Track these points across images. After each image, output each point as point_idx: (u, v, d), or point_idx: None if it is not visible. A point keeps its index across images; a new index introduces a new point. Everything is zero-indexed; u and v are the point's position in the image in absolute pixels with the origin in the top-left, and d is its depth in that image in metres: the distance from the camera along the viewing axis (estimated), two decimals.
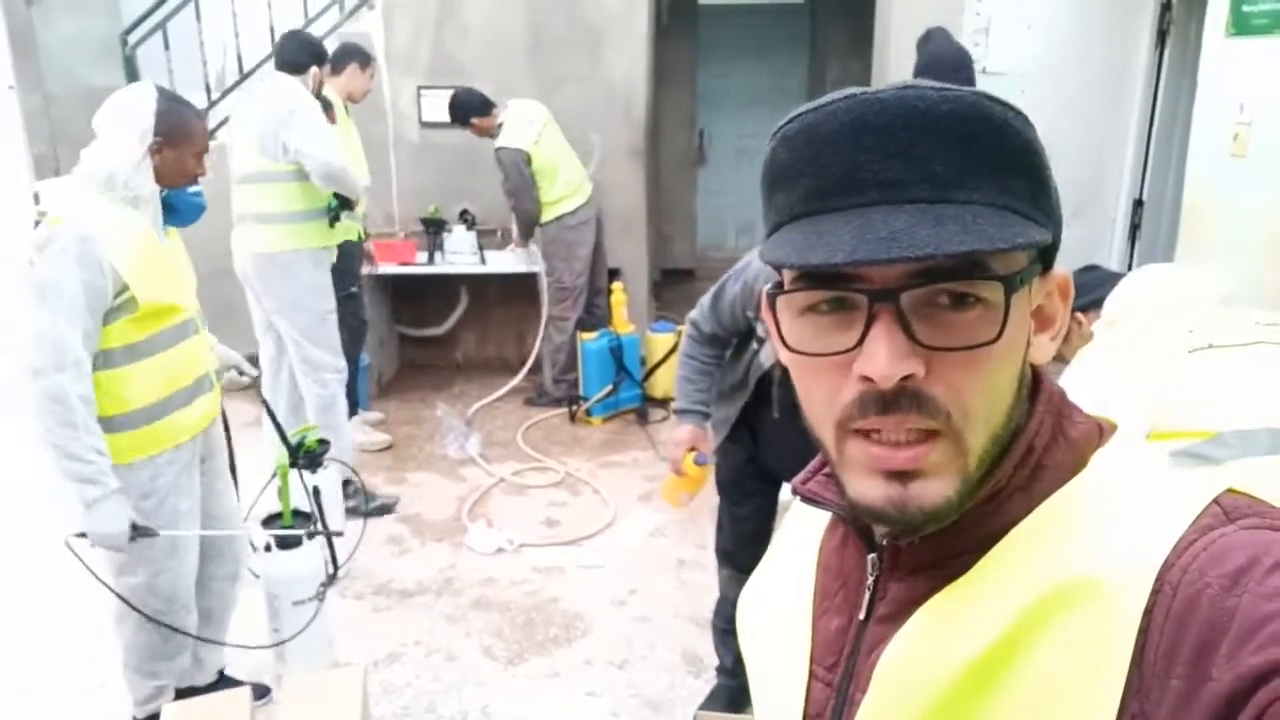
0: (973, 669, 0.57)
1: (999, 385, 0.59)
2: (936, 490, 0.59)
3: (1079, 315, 2.05)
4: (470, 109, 4.97)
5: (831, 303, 0.60)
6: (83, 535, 2.26)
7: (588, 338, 5.18)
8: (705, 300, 2.42)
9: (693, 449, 2.49)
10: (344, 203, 4.03)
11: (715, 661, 2.75)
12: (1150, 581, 0.54)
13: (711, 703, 2.66)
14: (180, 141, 2.36)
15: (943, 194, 0.57)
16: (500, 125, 4.97)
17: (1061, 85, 4.85)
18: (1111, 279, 1.97)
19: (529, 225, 5.10)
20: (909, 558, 0.64)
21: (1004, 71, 4.80)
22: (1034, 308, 0.63)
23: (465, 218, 5.44)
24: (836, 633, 0.69)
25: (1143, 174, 5.00)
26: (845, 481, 0.62)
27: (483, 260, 5.39)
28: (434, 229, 5.38)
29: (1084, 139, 4.89)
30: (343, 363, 4.18)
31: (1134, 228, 5.08)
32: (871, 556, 0.67)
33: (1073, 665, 0.54)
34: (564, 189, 5.04)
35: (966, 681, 0.58)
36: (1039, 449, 0.63)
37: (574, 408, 5.20)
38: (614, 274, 5.51)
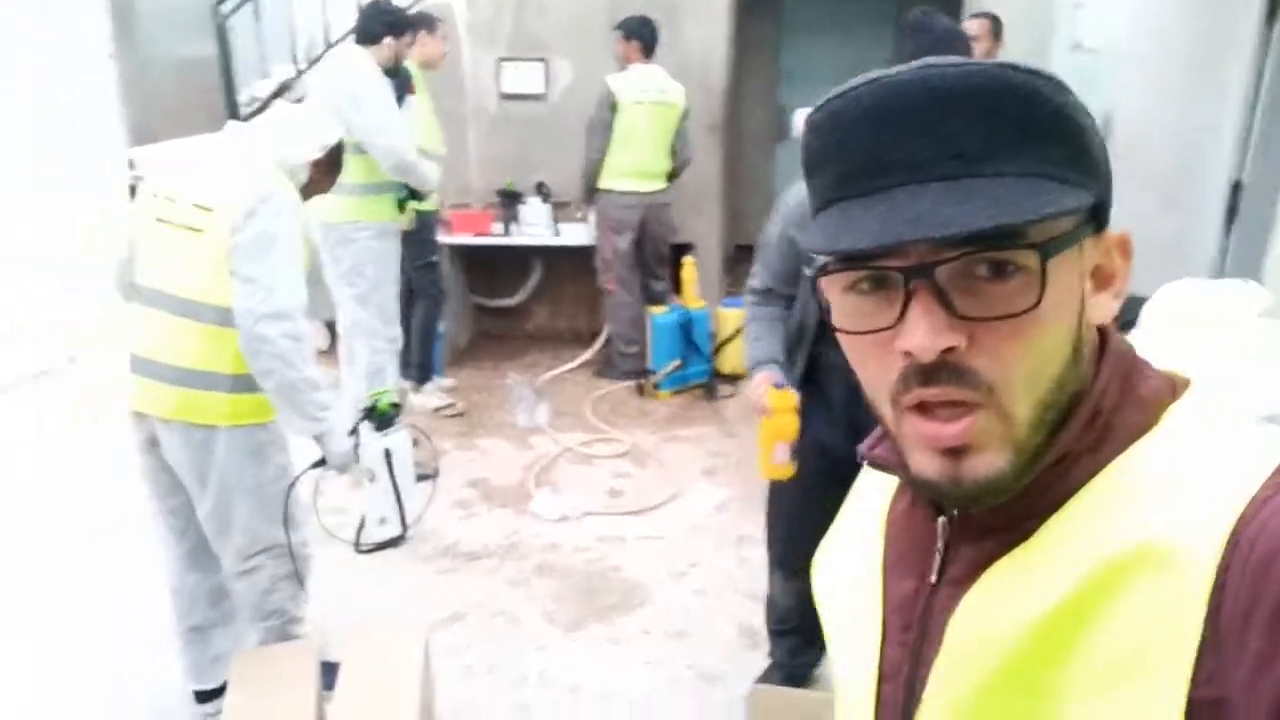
0: (1042, 629, 0.58)
1: (1044, 352, 0.59)
2: (989, 462, 0.59)
3: None
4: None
5: (871, 281, 0.61)
6: (319, 464, 2.58)
7: (657, 312, 5.18)
8: (759, 259, 2.44)
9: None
10: (413, 193, 4.15)
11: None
12: (1224, 539, 0.53)
13: (766, 679, 2.66)
14: (331, 170, 2.66)
15: (970, 169, 0.57)
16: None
17: (1156, 62, 4.66)
18: (1140, 301, 1.86)
19: (586, 175, 5.09)
20: (978, 521, 0.65)
21: (1097, 49, 4.63)
22: (1092, 267, 0.63)
23: (541, 190, 5.48)
24: (908, 596, 0.69)
25: (1243, 155, 4.78)
26: (908, 458, 0.63)
27: (556, 232, 5.42)
28: (509, 201, 5.44)
29: (1180, 120, 4.69)
30: (395, 331, 4.27)
31: (1230, 212, 4.86)
32: (941, 520, 0.67)
33: (1145, 626, 0.54)
34: (629, 167, 5.02)
35: (1037, 641, 0.58)
36: (1106, 410, 0.62)
37: (642, 381, 5.22)
38: (686, 249, 5.50)
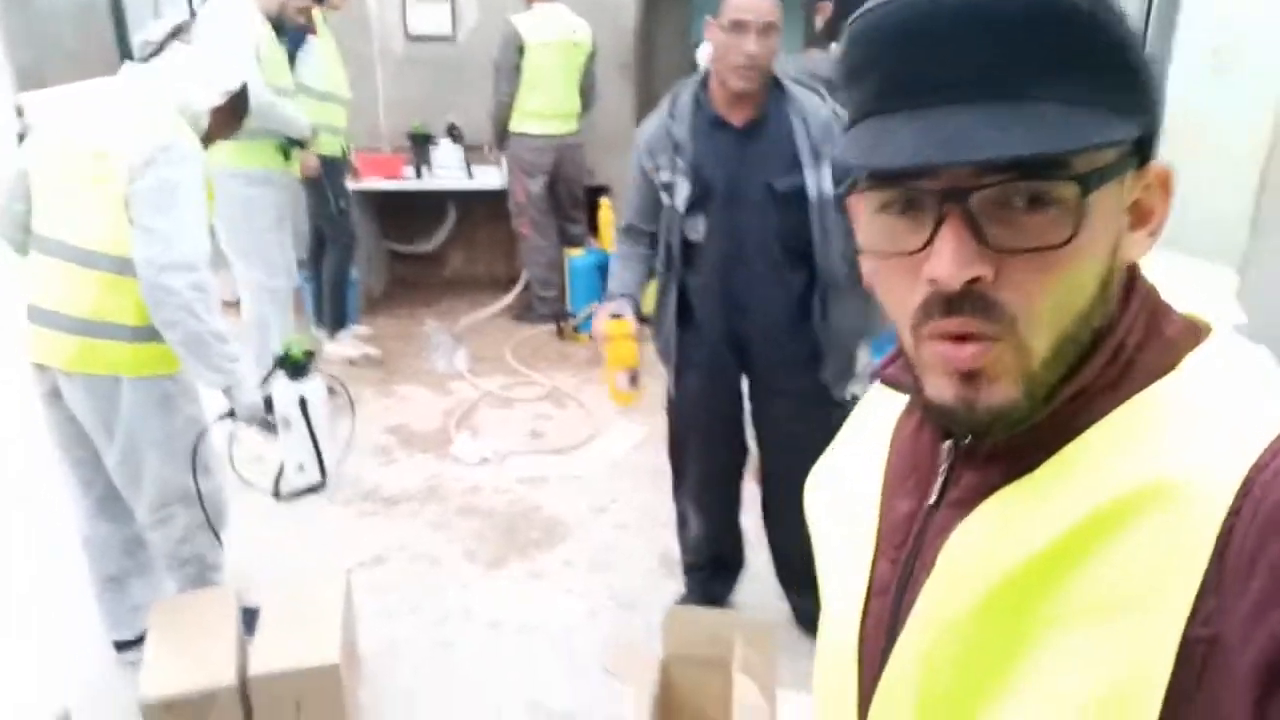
0: (1042, 557, 0.57)
1: (1073, 288, 0.58)
2: (1002, 392, 0.58)
3: None
4: None
5: (903, 203, 0.59)
6: (229, 416, 2.53)
7: (574, 255, 5.20)
8: (624, 199, 2.54)
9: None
10: (295, 140, 4.05)
11: None
12: (1238, 482, 0.52)
13: (683, 604, 2.76)
14: (234, 117, 2.59)
15: (1016, 92, 0.55)
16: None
17: None
18: None
19: (495, 119, 5.04)
20: (986, 448, 0.64)
21: None
22: (1130, 203, 0.60)
23: (452, 132, 5.40)
24: (905, 515, 0.69)
25: None
26: (924, 381, 0.62)
27: (470, 175, 5.37)
28: (420, 144, 5.35)
29: None
30: (278, 283, 4.17)
31: None
32: (948, 444, 0.67)
33: (1149, 562, 0.53)
34: (540, 108, 4.97)
35: (1035, 568, 0.57)
36: (1130, 348, 0.61)
37: (561, 324, 5.24)
38: (602, 191, 5.50)
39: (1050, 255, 0.56)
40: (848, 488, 0.77)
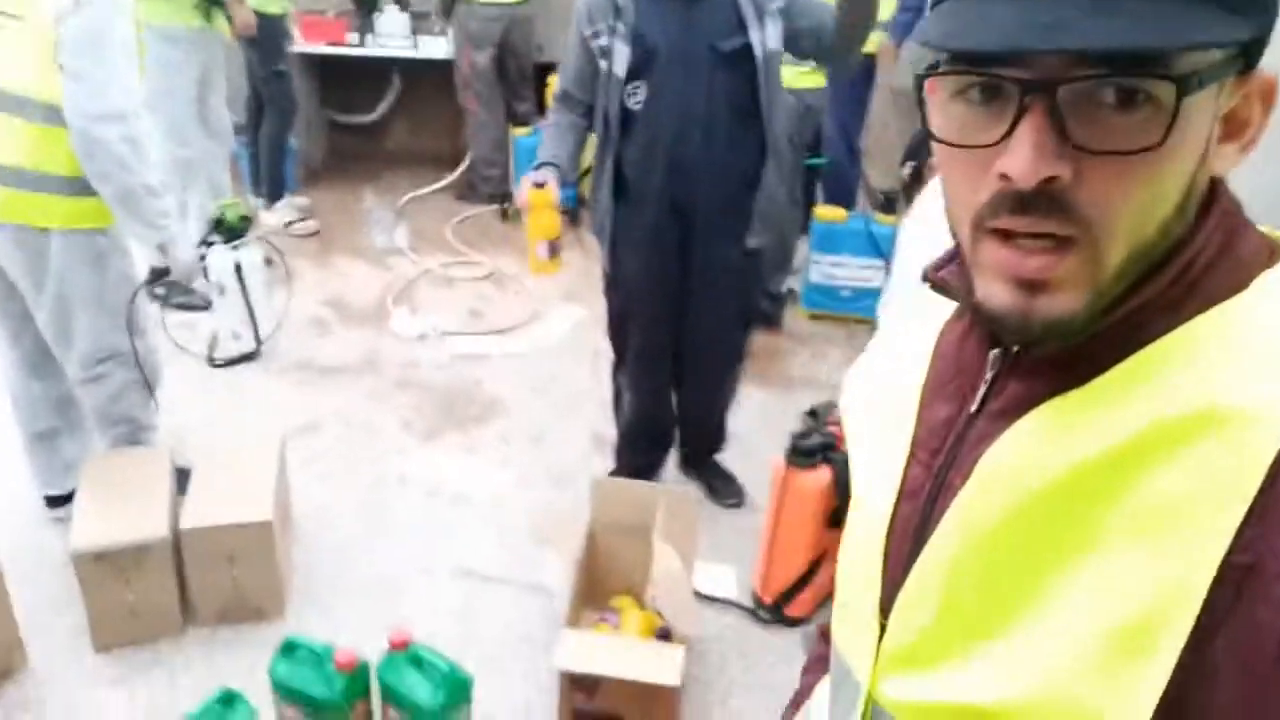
0: (1084, 472, 0.56)
1: (1155, 197, 0.54)
2: (1063, 304, 0.56)
3: (932, 162, 2.08)
4: None
5: (985, 90, 0.55)
6: (160, 276, 2.47)
7: (520, 133, 5.10)
8: (560, 66, 2.50)
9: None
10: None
11: None
12: None
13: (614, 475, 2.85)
14: None
15: None
16: None
17: None
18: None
19: None
20: (1033, 359, 0.62)
21: None
22: (1226, 111, 0.56)
23: None
24: (944, 421, 0.68)
25: None
26: (975, 282, 0.59)
27: (415, 44, 5.20)
28: (365, 8, 5.16)
29: None
30: (185, 152, 3.97)
31: None
32: (995, 352, 0.64)
33: (1197, 484, 0.52)
34: None
35: (1074, 484, 0.56)
36: (1201, 265, 0.58)
37: (505, 205, 5.18)
38: (552, 68, 5.36)
39: (1136, 160, 0.52)
40: (887, 388, 0.75)
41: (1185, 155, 0.54)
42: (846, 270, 4.07)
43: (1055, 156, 0.52)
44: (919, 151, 2.11)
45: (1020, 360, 0.63)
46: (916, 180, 2.11)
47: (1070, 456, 0.56)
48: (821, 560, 2.41)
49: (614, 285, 2.66)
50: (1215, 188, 0.60)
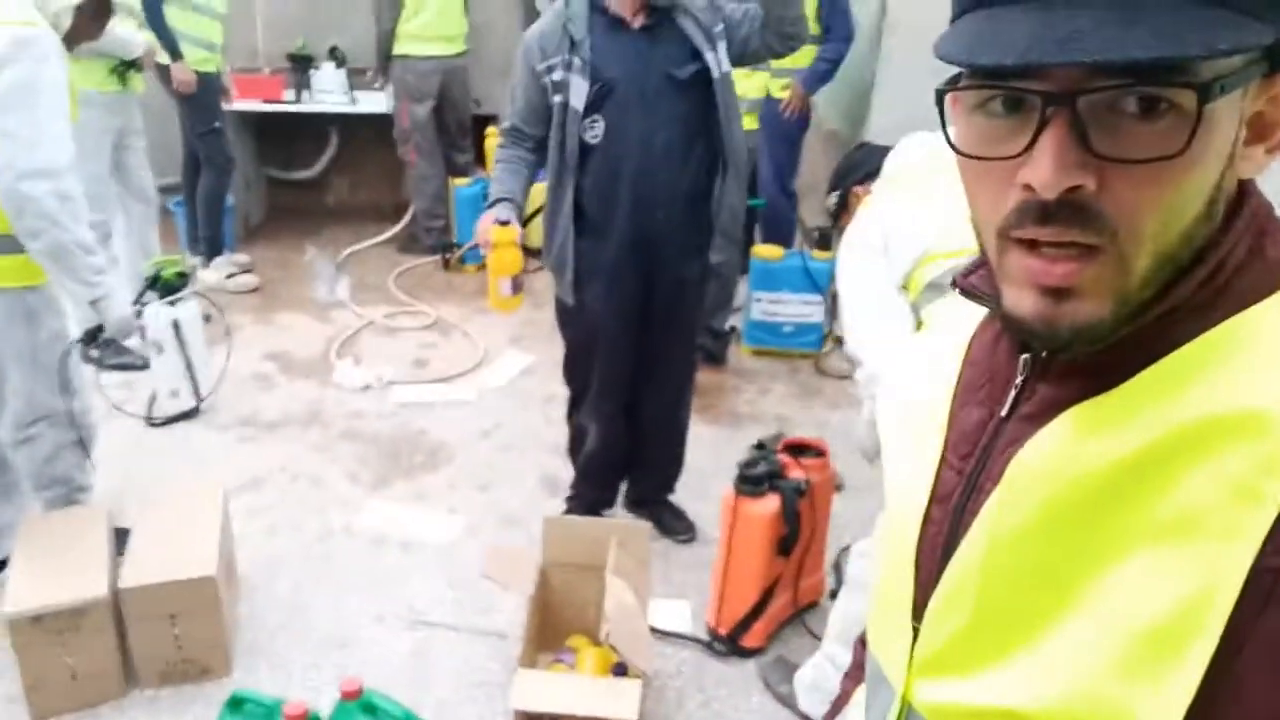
0: (1114, 475, 0.56)
1: (1180, 204, 0.54)
2: (1090, 310, 0.56)
3: (857, 189, 2.14)
4: None
5: (1006, 103, 0.56)
6: (94, 335, 2.46)
7: (461, 184, 5.14)
8: (507, 103, 2.51)
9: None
10: (129, 62, 3.77)
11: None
12: None
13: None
14: (99, 16, 2.51)
15: None
16: None
17: None
18: (883, 151, 2.08)
19: (383, 43, 4.89)
20: (1063, 364, 0.62)
21: None
22: (1251, 115, 0.56)
23: (335, 55, 5.24)
24: (975, 425, 0.68)
25: None
26: (1003, 290, 0.60)
27: (353, 100, 5.23)
28: (301, 65, 5.18)
29: None
30: (99, 217, 3.83)
31: None
32: (1025, 357, 0.64)
33: (1227, 489, 0.52)
34: (422, 29, 4.85)
35: (1105, 486, 0.56)
36: (1229, 269, 0.58)
37: (447, 255, 5.19)
38: (490, 120, 5.43)
39: (1160, 167, 0.52)
40: (918, 393, 0.76)
41: (1209, 161, 0.54)
42: (786, 307, 4.14)
43: (1077, 166, 0.53)
44: (844, 180, 2.18)
45: (1050, 365, 0.63)
46: (843, 209, 2.18)
47: (1099, 460, 0.57)
48: (774, 589, 2.42)
49: (575, 318, 2.62)
50: (1244, 190, 0.60)
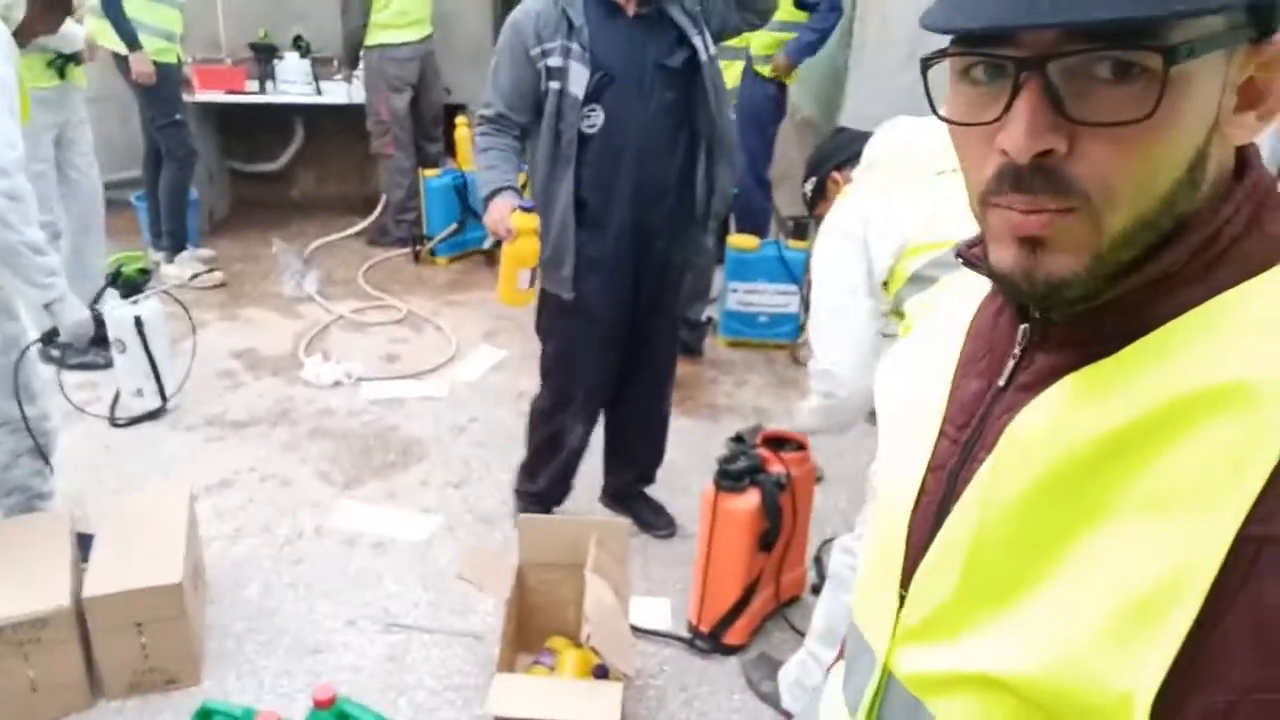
0: (1105, 443, 0.56)
1: (1154, 167, 0.55)
2: (1063, 263, 0.57)
3: (835, 175, 2.10)
4: None
5: (988, 70, 0.57)
6: (51, 337, 2.38)
7: (430, 175, 5.06)
8: (488, 86, 2.41)
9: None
10: (67, 55, 3.53)
11: None
12: None
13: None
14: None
15: None
16: None
17: None
18: (862, 136, 2.04)
19: (352, 40, 4.84)
20: (1060, 332, 0.62)
21: None
22: (1241, 80, 0.56)
23: (299, 44, 5.14)
24: (973, 396, 0.68)
25: None
26: (989, 250, 0.61)
27: (318, 90, 5.13)
28: (265, 55, 5.07)
29: None
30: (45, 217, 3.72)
31: None
32: (1024, 327, 0.65)
33: (1211, 461, 0.52)
34: (396, 17, 4.78)
35: (1095, 455, 0.56)
36: (1225, 239, 0.57)
37: (418, 248, 5.12)
38: (460, 109, 5.35)
39: (1131, 130, 0.53)
40: (920, 366, 0.76)
41: (1185, 125, 0.54)
42: (762, 297, 4.11)
43: (1049, 130, 0.54)
44: (820, 166, 2.14)
45: (1048, 334, 0.63)
46: (820, 196, 2.14)
47: (1090, 428, 0.57)
48: (755, 585, 2.39)
49: (572, 312, 2.49)
50: (1247, 162, 0.60)
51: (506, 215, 2.31)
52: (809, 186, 2.17)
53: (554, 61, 2.27)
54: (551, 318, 2.59)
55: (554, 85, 2.29)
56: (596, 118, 2.32)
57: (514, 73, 2.33)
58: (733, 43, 3.52)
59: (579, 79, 2.26)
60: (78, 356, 3.64)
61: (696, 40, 2.33)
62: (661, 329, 2.68)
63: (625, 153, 2.35)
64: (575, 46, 2.26)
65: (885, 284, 1.82)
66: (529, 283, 2.42)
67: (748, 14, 2.39)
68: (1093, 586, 0.55)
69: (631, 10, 2.30)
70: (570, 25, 2.26)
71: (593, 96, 2.29)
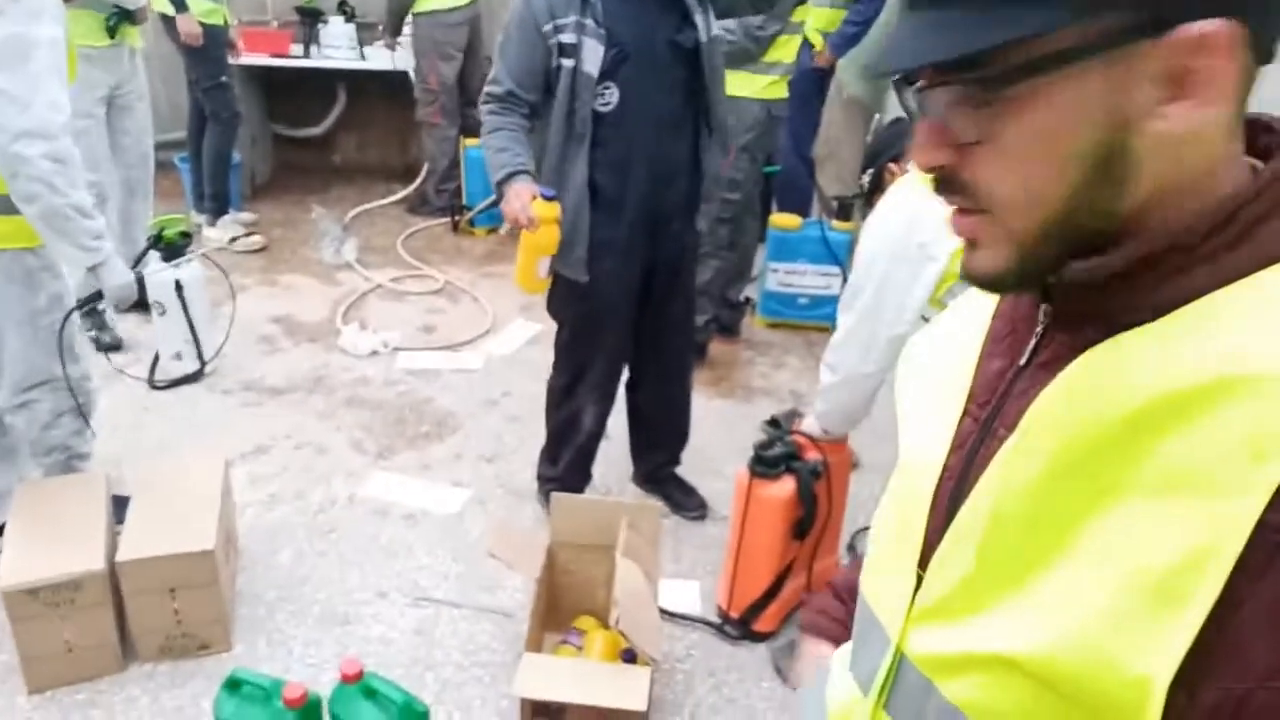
0: (1117, 423, 0.56)
1: (1037, 174, 0.58)
2: (990, 259, 0.62)
3: (892, 166, 2.08)
4: None
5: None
6: (94, 299, 2.39)
7: (472, 144, 5.02)
8: (495, 63, 2.35)
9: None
10: (126, 12, 3.52)
11: None
12: None
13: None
14: None
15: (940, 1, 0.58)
16: None
17: None
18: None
19: (398, 12, 4.78)
20: (1079, 308, 0.63)
21: None
22: (1160, 73, 0.55)
23: (344, 9, 5.13)
24: (995, 374, 0.70)
25: None
26: None
27: (362, 56, 5.11)
28: (310, 19, 5.06)
29: None
30: (92, 177, 3.69)
31: None
32: (1045, 306, 0.66)
33: (1229, 450, 0.52)
34: None
35: (1109, 434, 0.56)
36: (1245, 220, 0.57)
37: (456, 218, 5.10)
38: None
39: (993, 147, 0.58)
40: (946, 350, 0.78)
41: (1053, 134, 0.57)
42: (803, 278, 4.05)
43: (934, 146, 0.61)
44: (877, 158, 2.10)
45: (1067, 312, 0.64)
46: (877, 188, 2.09)
47: (1108, 406, 0.57)
48: (787, 573, 2.36)
49: (585, 295, 2.46)
50: (1272, 140, 0.61)
51: (528, 203, 2.26)
52: (866, 178, 2.13)
53: (567, 38, 2.22)
54: (564, 299, 2.54)
55: (567, 63, 2.24)
56: (611, 95, 2.27)
57: (524, 49, 2.27)
58: (795, 17, 3.46)
59: (593, 56, 2.21)
60: (90, 330, 3.58)
61: (699, 19, 2.30)
62: (679, 311, 2.66)
63: (641, 132, 2.31)
64: (589, 22, 2.21)
65: (937, 286, 1.77)
66: (546, 271, 2.40)
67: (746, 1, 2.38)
68: (1106, 565, 0.55)
69: None
70: (585, 1, 2.21)
71: (607, 74, 2.24)
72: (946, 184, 0.62)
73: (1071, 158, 0.57)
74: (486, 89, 2.37)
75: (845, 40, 4.15)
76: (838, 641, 0.94)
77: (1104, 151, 0.57)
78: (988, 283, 0.64)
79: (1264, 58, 0.57)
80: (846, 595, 0.99)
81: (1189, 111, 0.55)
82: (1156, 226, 0.58)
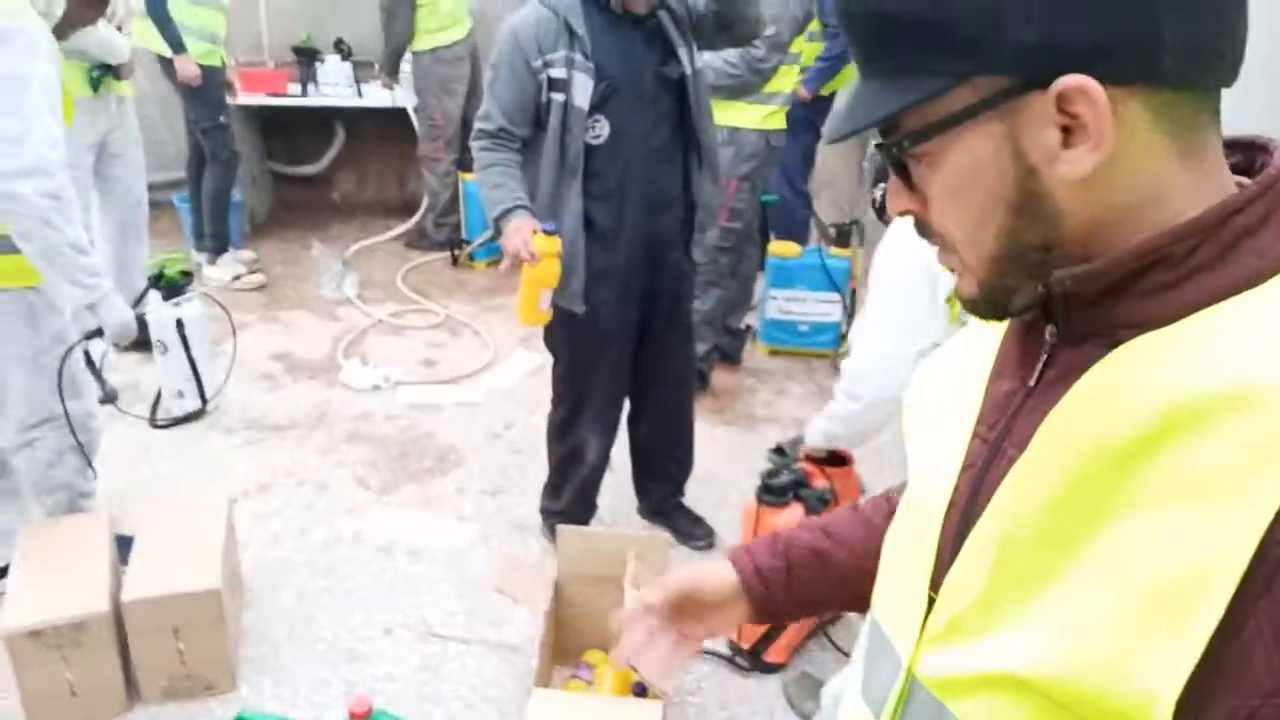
0: (1122, 440, 0.57)
1: (973, 220, 0.64)
2: (965, 287, 0.68)
3: None
4: None
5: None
6: (94, 336, 2.36)
7: (470, 179, 5.05)
8: (485, 100, 2.37)
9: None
10: (108, 67, 3.50)
11: None
12: None
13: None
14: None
15: (867, 69, 0.65)
16: None
17: None
18: None
19: (396, 52, 4.82)
20: (1081, 324, 0.64)
21: None
22: (1053, 124, 0.58)
23: (340, 47, 5.16)
24: (1004, 396, 0.70)
25: None
26: None
27: (359, 93, 5.14)
28: (306, 58, 5.10)
29: None
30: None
31: None
32: (1050, 327, 0.67)
33: (1242, 461, 0.52)
34: (445, 20, 4.78)
35: (1114, 451, 0.57)
36: (1231, 233, 0.58)
37: (456, 252, 5.11)
38: None
39: (934, 196, 0.65)
40: (958, 370, 0.79)
41: (970, 183, 0.62)
42: (803, 305, 4.05)
43: (903, 197, 0.67)
44: (886, 175, 2.10)
45: (1071, 330, 0.65)
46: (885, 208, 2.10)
47: (1118, 420, 0.57)
48: None
49: (582, 328, 2.46)
50: (1259, 159, 0.63)
51: (529, 238, 2.26)
52: (877, 194, 2.14)
53: (557, 73, 2.24)
54: (562, 332, 2.53)
55: (558, 97, 2.25)
56: (601, 128, 2.29)
57: (515, 85, 2.28)
58: (793, 48, 3.49)
59: (583, 89, 2.23)
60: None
61: (682, 52, 2.32)
62: (678, 340, 2.66)
63: (633, 163, 2.33)
64: (578, 56, 2.23)
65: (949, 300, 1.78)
66: (548, 304, 2.40)
67: (725, 36, 2.38)
68: (1116, 579, 0.55)
69: (641, 9, 2.26)
70: (572, 35, 2.23)
71: (597, 107, 2.26)
72: (920, 226, 0.68)
73: (993, 201, 0.62)
74: (478, 125, 2.37)
75: (817, 75, 4.18)
76: (743, 572, 0.97)
77: (1023, 194, 0.61)
78: (969, 308, 0.69)
79: (1185, 83, 0.58)
80: (783, 542, 0.99)
81: (1086, 155, 0.58)
82: (1120, 243, 0.60)
